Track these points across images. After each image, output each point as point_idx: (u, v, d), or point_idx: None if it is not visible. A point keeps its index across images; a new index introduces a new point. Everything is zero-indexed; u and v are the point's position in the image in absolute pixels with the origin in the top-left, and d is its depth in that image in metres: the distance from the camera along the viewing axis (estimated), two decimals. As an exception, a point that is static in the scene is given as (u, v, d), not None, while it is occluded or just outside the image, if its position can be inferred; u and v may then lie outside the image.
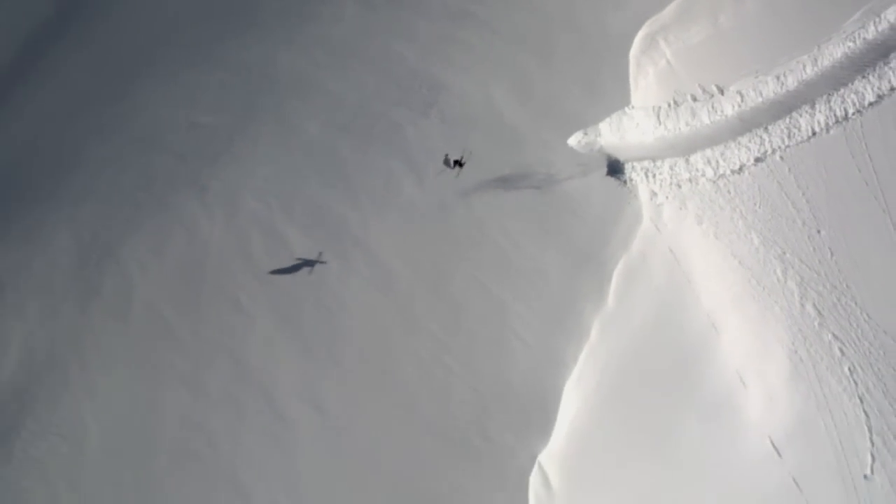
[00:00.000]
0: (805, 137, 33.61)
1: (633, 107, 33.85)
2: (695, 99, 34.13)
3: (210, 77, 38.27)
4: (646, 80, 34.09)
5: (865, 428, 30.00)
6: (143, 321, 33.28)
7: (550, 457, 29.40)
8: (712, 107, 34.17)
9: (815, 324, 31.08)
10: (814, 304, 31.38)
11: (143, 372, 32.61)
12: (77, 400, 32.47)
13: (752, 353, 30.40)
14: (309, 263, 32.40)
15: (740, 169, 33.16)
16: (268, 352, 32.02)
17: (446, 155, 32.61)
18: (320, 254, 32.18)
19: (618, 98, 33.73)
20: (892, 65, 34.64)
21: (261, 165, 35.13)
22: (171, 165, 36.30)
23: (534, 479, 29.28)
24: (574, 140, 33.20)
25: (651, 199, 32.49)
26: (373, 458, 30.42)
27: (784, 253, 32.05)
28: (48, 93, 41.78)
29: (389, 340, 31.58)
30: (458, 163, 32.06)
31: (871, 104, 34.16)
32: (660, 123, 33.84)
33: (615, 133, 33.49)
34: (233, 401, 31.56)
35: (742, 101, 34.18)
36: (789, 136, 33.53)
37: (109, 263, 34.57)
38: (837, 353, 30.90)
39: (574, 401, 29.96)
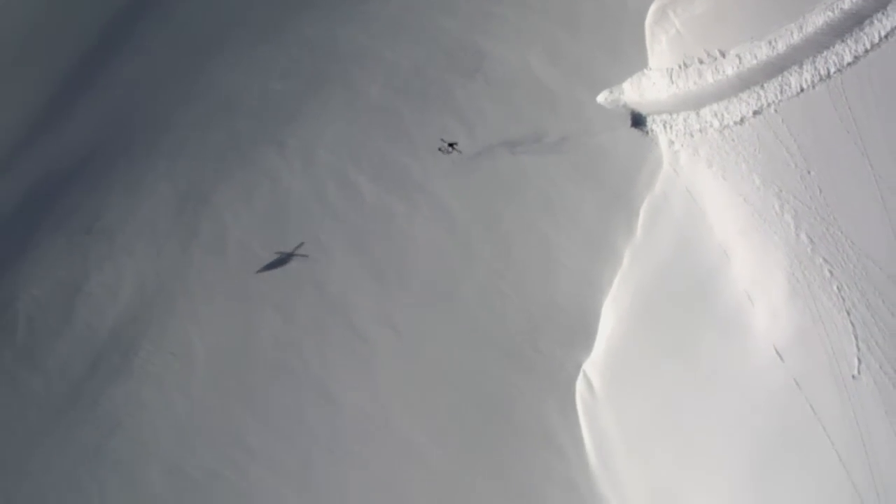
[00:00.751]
0: (795, 93, 33.83)
1: (650, 68, 34.18)
2: (701, 61, 34.26)
3: (279, 51, 38.17)
4: (659, 45, 34.27)
5: (852, 336, 30.33)
6: (238, 257, 33.44)
7: (593, 365, 29.77)
8: (715, 68, 34.38)
9: (809, 250, 31.34)
10: (807, 234, 31.63)
11: (240, 300, 32.91)
12: (184, 324, 32.61)
13: (757, 275, 30.65)
14: (288, 256, 32.13)
15: (741, 120, 33.37)
16: (346, 282, 32.29)
17: (439, 149, 32.36)
18: (300, 245, 32.03)
19: (637, 61, 34.01)
20: (866, 30, 34.78)
21: (331, 124, 35.19)
22: (251, 125, 36.26)
23: (579, 384, 29.68)
24: (602, 97, 33.37)
25: (669, 146, 32.78)
26: (442, 369, 30.77)
27: (781, 191, 32.28)
28: (137, 67, 41.83)
29: (451, 270, 31.80)
30: (451, 145, 31.80)
31: (849, 64, 34.37)
32: (672, 83, 34.09)
33: (636, 91, 33.76)
34: (318, 324, 31.77)
35: (740, 62, 34.34)
36: (781, 92, 33.75)
37: (205, 209, 34.63)
38: (827, 274, 31.18)
39: (611, 318, 30.31)
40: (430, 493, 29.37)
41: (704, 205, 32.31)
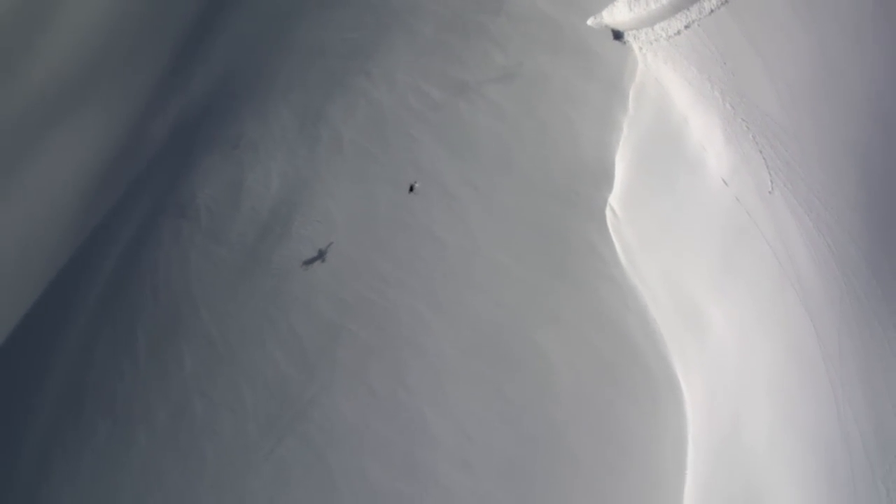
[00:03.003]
0: (708, 13, 32.66)
1: (616, 0, 30.95)
2: (646, -6, 31.74)
3: (345, 14, 34.99)
4: (620, -16, 31.49)
5: (765, 167, 29.54)
6: (353, 152, 30.50)
7: (614, 198, 28.91)
8: (656, -1, 31.91)
9: (732, 113, 30.17)
10: (730, 103, 30.47)
11: (360, 181, 30.50)
12: (323, 201, 30.02)
13: (704, 132, 29.68)
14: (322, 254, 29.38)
15: (678, 32, 32.28)
16: (434, 159, 30.38)
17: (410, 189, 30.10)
18: (329, 245, 29.34)
19: (608, -4, 30.89)
20: (749, -32, 32.95)
21: (402, 56, 32.51)
22: (341, 64, 32.82)
23: (608, 211, 28.44)
24: (590, 21, 31.78)
25: (640, 51, 31.27)
26: (513, 211, 29.66)
27: (710, 76, 30.96)
28: (236, 32, 36.93)
29: (507, 145, 30.07)
30: (412, 187, 29.48)
31: (739, -8, 32.39)
32: (631, 10, 32.93)
33: (610, 16, 32.38)
34: (420, 189, 28.46)
35: (671, -6, 32.08)
36: (700, 13, 32.34)
37: (321, 122, 31.56)
38: (745, 128, 30.23)
39: (621, 168, 29.35)
40: (516, 294, 27.76)
41: (667, 88, 30.75)
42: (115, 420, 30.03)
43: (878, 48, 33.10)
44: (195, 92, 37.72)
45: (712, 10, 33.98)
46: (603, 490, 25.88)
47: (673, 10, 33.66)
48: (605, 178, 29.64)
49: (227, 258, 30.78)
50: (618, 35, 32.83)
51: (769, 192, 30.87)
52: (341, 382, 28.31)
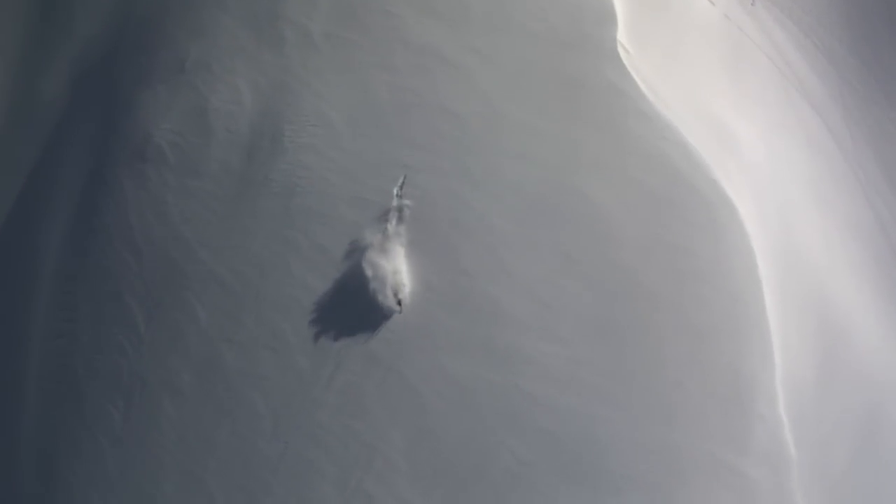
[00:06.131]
0: None
1: None
2: None
3: None
4: None
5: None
6: (329, 45, 28.59)
7: (620, 34, 28.83)
8: None
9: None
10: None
11: (347, 72, 28.62)
12: (311, 102, 27.58)
13: None
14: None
15: None
16: (424, 32, 29.46)
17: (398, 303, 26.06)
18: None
19: None
20: None
21: None
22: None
23: (619, 47, 26.61)
24: None
25: None
26: (522, 68, 28.62)
27: None
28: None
29: (500, 4, 26.90)
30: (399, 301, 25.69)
31: None
32: None
33: None
34: (417, 65, 28.74)
35: None
36: None
37: (280, 23, 29.07)
38: None
39: (618, 1, 26.99)
40: (550, 150, 26.97)
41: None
42: (127, 399, 25.96)
43: None
44: (86, 33, 32.76)
45: None
46: (692, 321, 25.24)
47: None
48: (607, 15, 28.75)
49: (213, 190, 27.14)
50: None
51: (751, 5, 31.32)
52: (390, 286, 25.84)
